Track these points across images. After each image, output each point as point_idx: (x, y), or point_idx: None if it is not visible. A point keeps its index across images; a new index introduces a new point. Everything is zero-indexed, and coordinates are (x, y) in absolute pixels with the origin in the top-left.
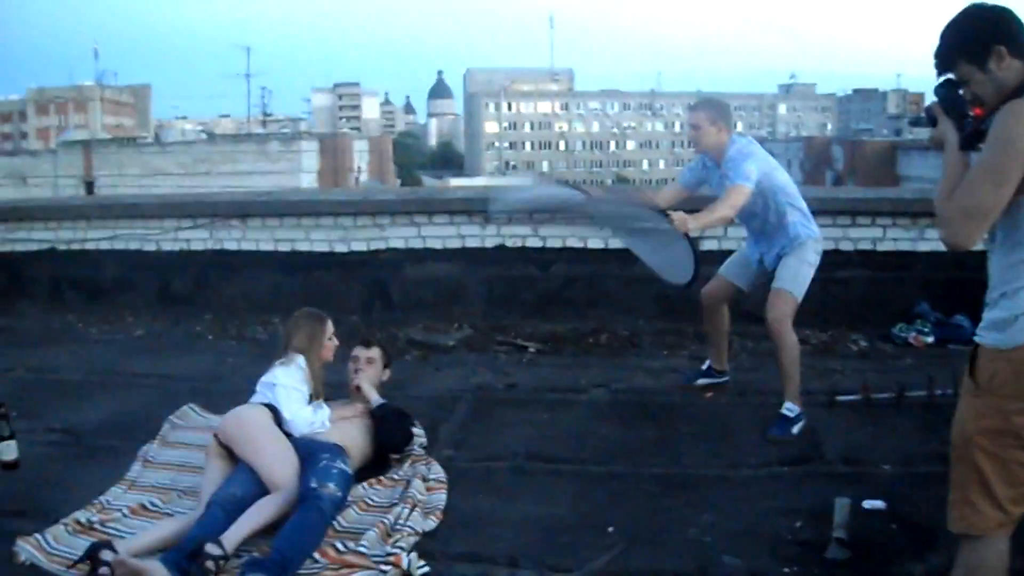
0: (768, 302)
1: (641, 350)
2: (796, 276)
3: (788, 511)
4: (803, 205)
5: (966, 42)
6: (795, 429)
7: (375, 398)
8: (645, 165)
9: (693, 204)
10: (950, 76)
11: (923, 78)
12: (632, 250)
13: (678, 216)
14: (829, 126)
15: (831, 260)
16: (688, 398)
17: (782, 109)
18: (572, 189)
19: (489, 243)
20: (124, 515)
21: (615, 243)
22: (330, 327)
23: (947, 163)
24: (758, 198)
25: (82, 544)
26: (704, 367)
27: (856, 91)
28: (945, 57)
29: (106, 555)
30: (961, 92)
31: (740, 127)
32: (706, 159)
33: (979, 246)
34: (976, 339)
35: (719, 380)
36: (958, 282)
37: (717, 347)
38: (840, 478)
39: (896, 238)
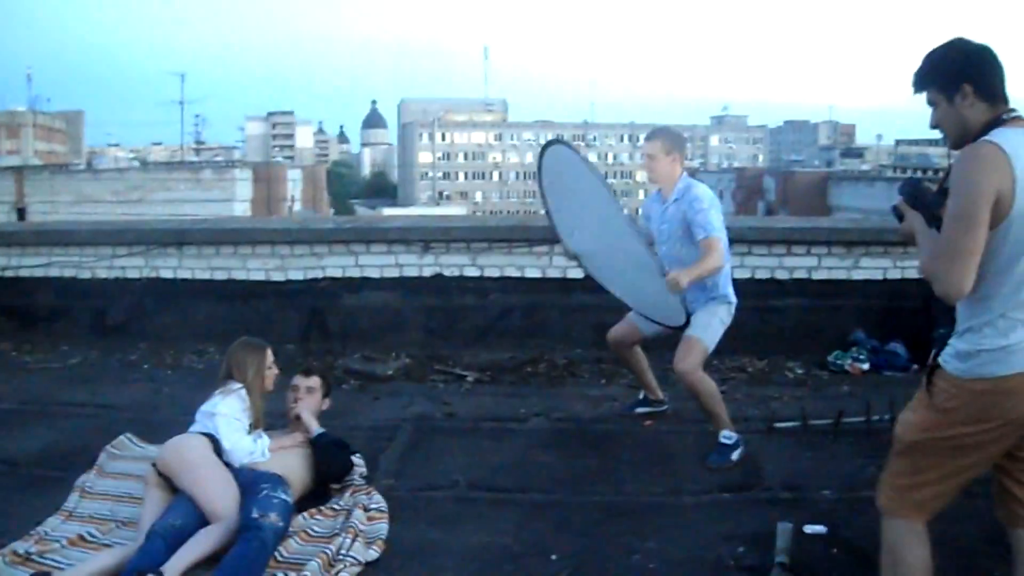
0: (680, 350)
1: (580, 379)
2: (709, 326)
3: (731, 537)
4: (729, 267)
5: (940, 71)
6: (734, 456)
7: (315, 427)
8: None
9: None
10: (913, 176)
11: (854, 110)
12: (619, 295)
13: (671, 279)
14: (761, 157)
15: (767, 289)
16: (628, 426)
17: (714, 140)
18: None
19: (427, 272)
20: (62, 546)
21: (552, 272)
22: (270, 356)
23: (922, 239)
24: (695, 248)
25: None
26: (641, 397)
27: (788, 122)
28: (920, 79)
29: None
30: (924, 184)
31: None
32: (654, 195)
33: (911, 274)
34: (940, 361)
35: (658, 409)
36: (893, 310)
37: (644, 381)
38: (781, 503)
39: (831, 267)
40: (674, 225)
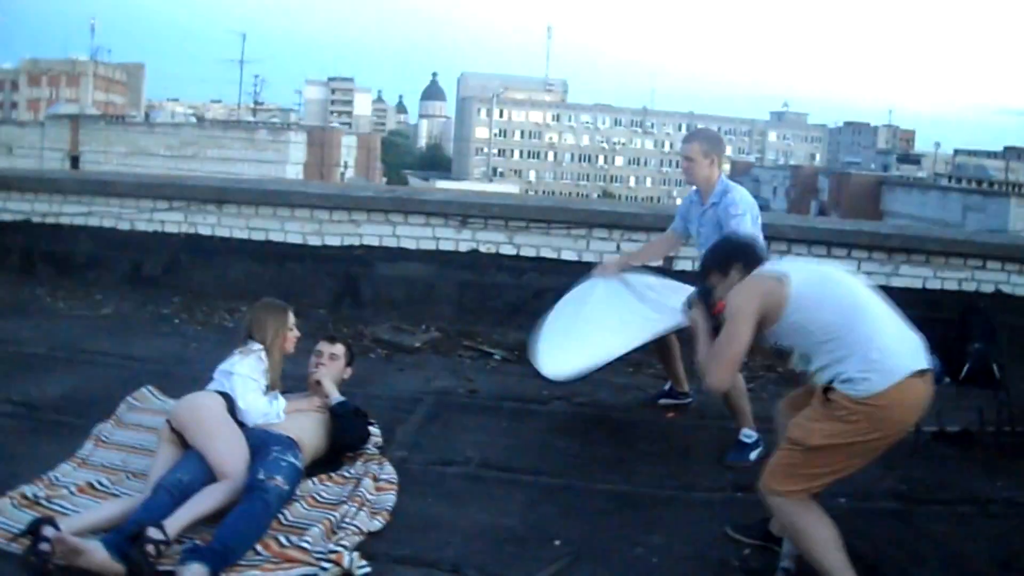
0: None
1: (606, 366)
2: None
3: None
4: None
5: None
6: (753, 455)
7: (335, 395)
8: (632, 182)
9: None
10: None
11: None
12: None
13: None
14: (818, 156)
15: None
16: (649, 416)
17: (772, 136)
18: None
19: (463, 247)
20: (71, 492)
21: (588, 256)
22: (291, 318)
23: (700, 334)
24: None
25: (26, 518)
26: (666, 388)
27: (847, 123)
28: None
29: (47, 531)
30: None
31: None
32: (692, 196)
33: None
34: (834, 387)
35: (682, 401)
36: (929, 321)
37: (672, 372)
38: None
39: (870, 272)
40: (711, 229)
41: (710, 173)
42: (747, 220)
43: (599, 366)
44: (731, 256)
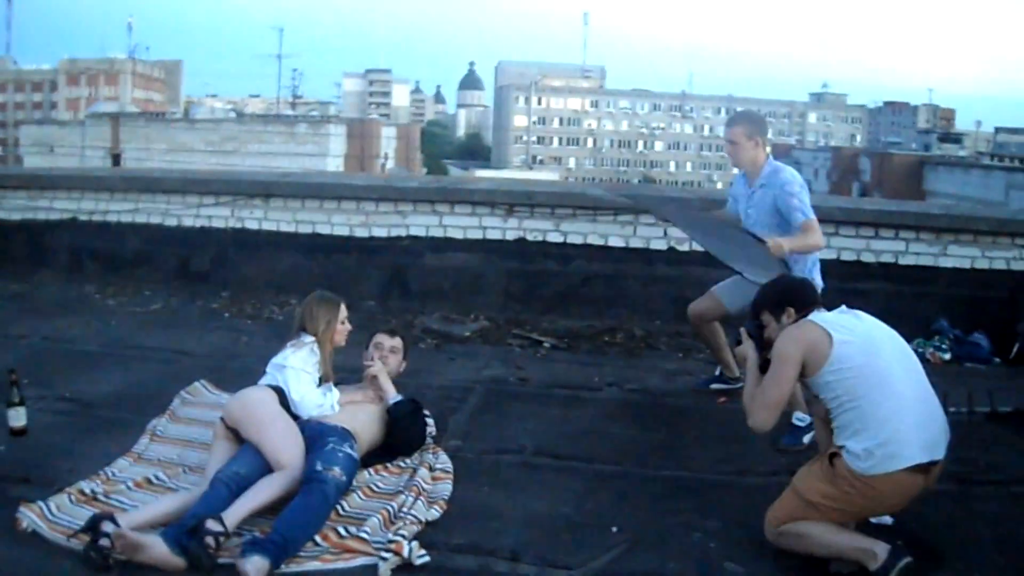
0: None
1: (656, 351)
2: None
3: None
4: (818, 254)
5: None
6: (806, 439)
7: (391, 393)
8: (672, 167)
9: None
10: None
11: (954, 95)
12: (715, 253)
13: (774, 243)
14: (858, 137)
15: (852, 271)
16: (701, 402)
17: (812, 118)
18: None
19: (510, 235)
20: (128, 488)
21: (635, 242)
22: (344, 311)
23: (749, 369)
24: (782, 234)
25: (84, 514)
26: (717, 373)
27: (887, 103)
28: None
29: (107, 527)
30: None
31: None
32: (739, 178)
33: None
34: (841, 452)
35: (733, 386)
36: (978, 300)
37: (721, 358)
38: None
39: (918, 252)
40: (762, 211)
41: (755, 155)
42: (806, 196)
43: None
44: (785, 298)
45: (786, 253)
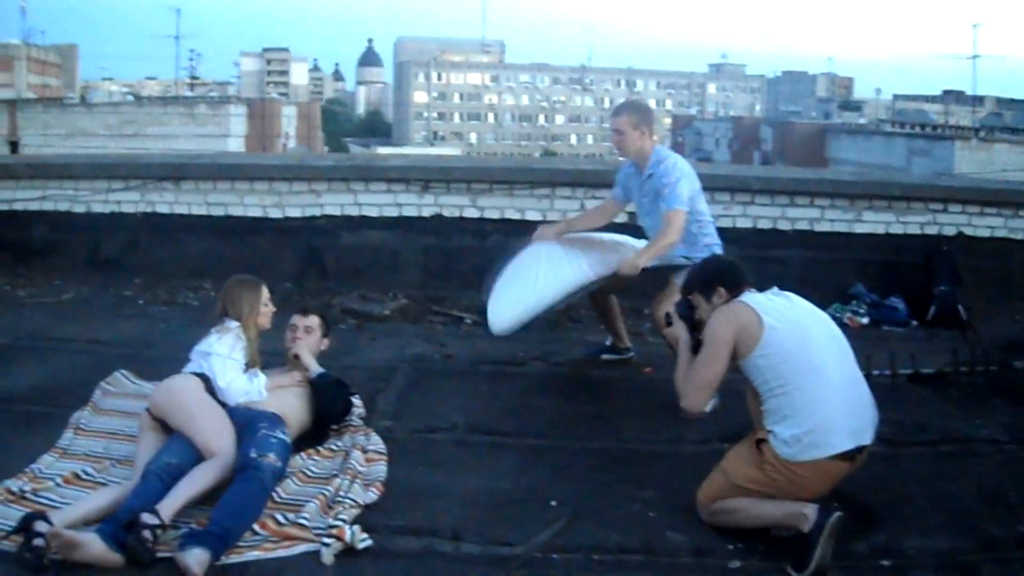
0: (661, 296)
1: (578, 324)
2: None
3: None
4: (713, 234)
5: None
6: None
7: (314, 367)
8: (574, 140)
9: None
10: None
11: (853, 62)
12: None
13: (628, 264)
14: (758, 107)
15: (769, 239)
16: (627, 373)
17: (712, 88)
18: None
19: (426, 212)
20: (57, 484)
21: (553, 215)
22: (266, 293)
23: (680, 351)
24: None
25: (14, 514)
26: (607, 343)
27: (786, 73)
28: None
29: (40, 526)
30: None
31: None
32: (629, 166)
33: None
34: (768, 437)
35: (624, 356)
36: (894, 265)
37: (614, 329)
38: None
39: (833, 219)
40: (652, 198)
41: (642, 144)
42: (682, 185)
43: (537, 312)
44: (716, 278)
45: (641, 267)
